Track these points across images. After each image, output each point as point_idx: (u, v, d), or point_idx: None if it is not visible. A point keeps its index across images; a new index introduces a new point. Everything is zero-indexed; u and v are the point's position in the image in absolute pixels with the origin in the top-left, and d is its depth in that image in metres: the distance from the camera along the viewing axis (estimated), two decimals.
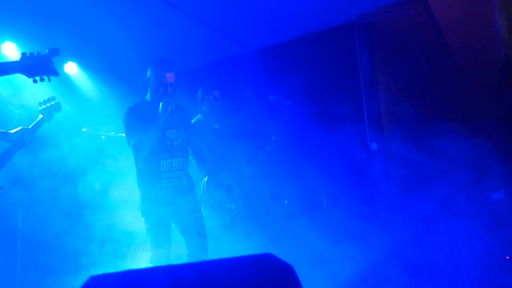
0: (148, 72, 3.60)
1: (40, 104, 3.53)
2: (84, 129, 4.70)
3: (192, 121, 4.28)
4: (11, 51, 4.73)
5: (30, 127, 3.38)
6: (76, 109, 3.62)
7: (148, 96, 3.65)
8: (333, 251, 4.31)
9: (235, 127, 4.57)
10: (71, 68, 5.37)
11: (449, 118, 4.46)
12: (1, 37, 4.67)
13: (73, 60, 5.36)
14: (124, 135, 3.62)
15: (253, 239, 4.21)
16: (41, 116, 3.49)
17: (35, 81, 2.32)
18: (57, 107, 3.61)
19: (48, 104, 3.53)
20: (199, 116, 4.35)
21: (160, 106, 3.40)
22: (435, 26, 4.15)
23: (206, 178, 3.97)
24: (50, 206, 4.50)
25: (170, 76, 3.50)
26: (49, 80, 2.35)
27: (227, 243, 4.02)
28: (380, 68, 4.99)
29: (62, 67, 5.32)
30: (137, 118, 3.45)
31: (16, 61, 2.23)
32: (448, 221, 4.26)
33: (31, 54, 2.26)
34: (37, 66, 2.25)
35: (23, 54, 2.24)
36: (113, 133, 4.68)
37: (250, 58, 5.77)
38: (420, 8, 4.16)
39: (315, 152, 5.08)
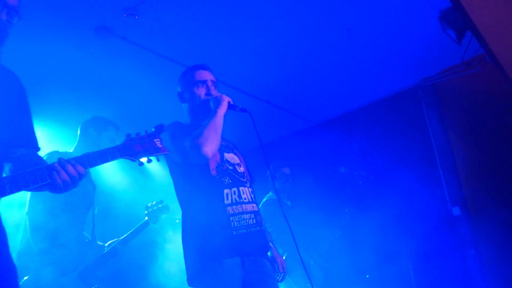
0: (179, 86, 2.67)
1: (147, 207, 3.64)
2: (177, 221, 4.82)
3: (264, 200, 4.31)
4: None
5: (131, 231, 3.49)
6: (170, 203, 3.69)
7: (187, 118, 2.68)
8: None
9: (307, 202, 4.52)
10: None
11: None
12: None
13: None
14: None
15: None
16: (146, 218, 3.59)
17: (140, 164, 1.99)
18: (165, 209, 3.69)
19: (155, 208, 3.64)
20: (270, 194, 4.37)
21: (211, 102, 2.48)
22: (509, 84, 3.97)
23: (284, 258, 3.92)
24: None
25: (206, 73, 2.60)
26: (158, 160, 2.06)
27: None
28: (452, 127, 4.79)
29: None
30: (186, 127, 2.51)
31: (118, 146, 1.89)
32: None
33: (137, 134, 1.96)
34: (142, 147, 1.93)
35: (127, 135, 1.93)
36: None
37: (316, 130, 5.81)
38: (488, 66, 4.02)
39: (393, 221, 4.84)
